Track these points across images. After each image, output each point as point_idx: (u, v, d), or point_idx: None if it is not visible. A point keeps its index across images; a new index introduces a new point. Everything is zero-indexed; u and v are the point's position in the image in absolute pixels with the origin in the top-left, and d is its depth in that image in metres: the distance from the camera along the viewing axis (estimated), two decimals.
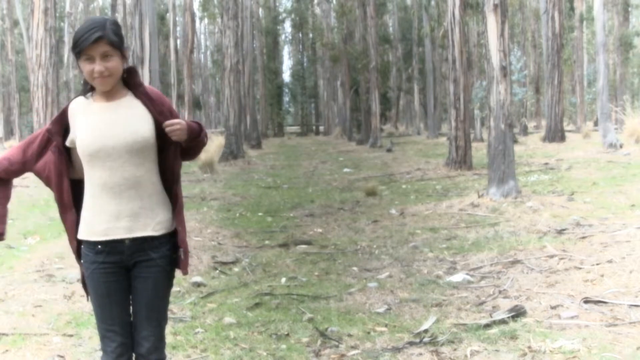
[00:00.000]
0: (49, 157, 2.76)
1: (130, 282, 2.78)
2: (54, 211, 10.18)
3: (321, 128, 53.88)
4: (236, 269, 6.69)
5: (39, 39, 15.82)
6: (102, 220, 2.69)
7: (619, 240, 6.48)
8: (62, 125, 2.76)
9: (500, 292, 5.35)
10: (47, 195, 11.61)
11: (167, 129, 2.67)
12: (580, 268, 5.71)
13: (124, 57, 2.70)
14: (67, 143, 2.75)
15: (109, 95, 2.73)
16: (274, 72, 50.19)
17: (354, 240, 8.02)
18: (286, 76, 60.23)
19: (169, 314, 4.71)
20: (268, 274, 6.51)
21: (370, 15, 27.97)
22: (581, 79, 32.57)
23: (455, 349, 4.13)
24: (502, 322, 4.48)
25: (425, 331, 4.50)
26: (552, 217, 8.14)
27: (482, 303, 5.12)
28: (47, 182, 2.80)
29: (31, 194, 12.14)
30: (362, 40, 31.64)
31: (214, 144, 19.32)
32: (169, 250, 2.79)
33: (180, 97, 33.74)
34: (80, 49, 2.60)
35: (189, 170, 16.10)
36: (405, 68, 42.95)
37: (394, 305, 5.25)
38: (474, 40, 30.25)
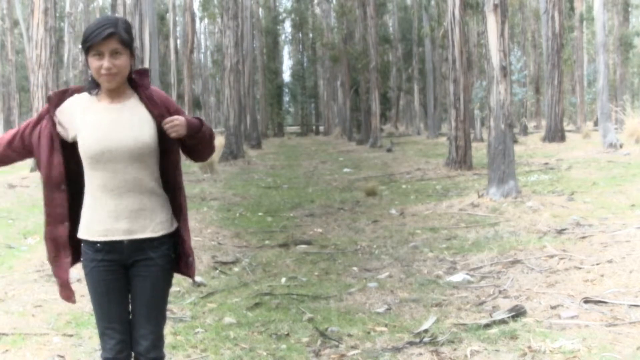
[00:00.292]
0: (42, 126, 2.76)
1: (129, 281, 2.79)
2: None
3: (321, 128, 53.89)
4: (236, 269, 6.69)
5: (39, 39, 15.82)
6: (101, 220, 2.71)
7: (619, 240, 6.48)
8: (61, 100, 2.76)
9: (500, 292, 5.35)
10: None
11: (166, 126, 2.67)
12: (580, 268, 5.71)
13: (132, 56, 2.72)
14: (70, 139, 2.74)
15: (114, 95, 2.74)
16: (274, 72, 50.18)
17: (354, 240, 8.02)
18: (286, 76, 60.26)
19: (169, 314, 4.71)
20: (268, 274, 6.51)
21: (370, 15, 27.97)
22: (581, 79, 32.57)
23: (455, 349, 4.13)
24: (502, 322, 4.48)
25: (425, 331, 4.50)
26: (552, 217, 8.14)
27: (482, 303, 5.12)
28: (38, 157, 2.77)
29: (31, 194, 12.13)
30: (362, 40, 31.65)
31: (214, 144, 19.29)
32: (168, 250, 2.80)
33: (180, 97, 33.73)
34: (91, 44, 2.62)
35: (189, 170, 16.09)
36: (405, 68, 42.96)
37: (394, 305, 5.25)
38: (474, 40, 30.24)
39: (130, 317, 2.83)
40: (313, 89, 57.67)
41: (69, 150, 2.74)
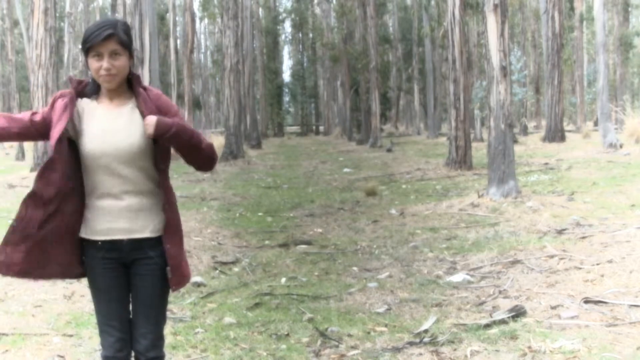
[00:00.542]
0: (59, 103, 2.75)
1: (129, 279, 2.82)
2: None
3: (321, 128, 53.88)
4: (236, 269, 6.69)
5: (39, 39, 15.81)
6: (102, 221, 2.74)
7: (619, 240, 6.48)
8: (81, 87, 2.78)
9: (500, 292, 5.35)
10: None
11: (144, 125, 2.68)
12: (580, 268, 5.70)
13: (131, 58, 2.75)
14: (71, 135, 2.75)
15: (114, 99, 2.77)
16: (274, 72, 50.19)
17: (354, 240, 8.02)
18: (286, 76, 60.26)
19: (169, 314, 4.71)
20: (268, 274, 6.50)
21: (370, 15, 27.97)
22: (581, 79, 32.57)
23: (455, 349, 4.13)
24: (502, 322, 4.48)
25: (425, 331, 4.50)
26: (552, 217, 8.13)
27: (482, 303, 5.12)
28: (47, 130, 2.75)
29: None
30: (362, 40, 31.65)
31: (214, 144, 19.28)
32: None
33: (180, 97, 33.74)
34: (90, 44, 2.65)
35: (189, 170, 16.09)
36: (405, 68, 42.96)
37: (394, 305, 5.24)
38: (474, 40, 30.24)
39: (131, 316, 2.85)
40: (313, 89, 57.67)
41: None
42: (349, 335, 4.55)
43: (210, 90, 56.63)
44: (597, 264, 5.71)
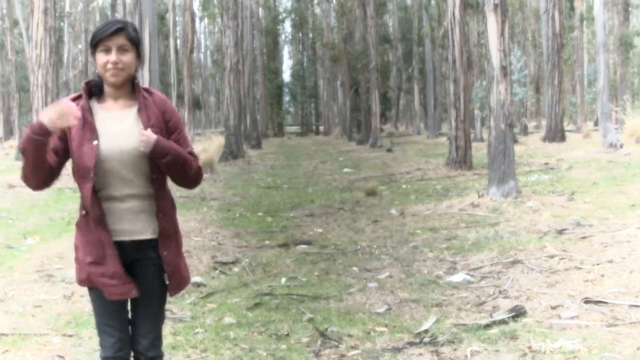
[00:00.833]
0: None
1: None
2: (53, 211, 10.19)
3: (321, 128, 53.90)
4: (236, 269, 6.68)
5: (38, 38, 15.81)
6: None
7: (619, 240, 6.48)
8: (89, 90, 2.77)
9: (500, 292, 5.34)
10: (46, 195, 11.61)
11: (139, 136, 2.66)
12: (580, 268, 5.70)
13: (139, 58, 2.76)
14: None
15: (118, 99, 2.77)
16: (274, 72, 50.18)
17: (354, 240, 8.01)
18: (286, 76, 60.28)
19: (169, 314, 4.71)
20: (268, 274, 6.50)
21: (370, 15, 27.97)
22: (581, 79, 32.56)
23: (455, 349, 4.12)
24: (502, 322, 4.48)
25: (426, 331, 4.49)
26: (553, 217, 8.13)
27: (482, 303, 5.11)
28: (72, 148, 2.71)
29: (31, 194, 12.13)
30: (362, 40, 31.65)
31: (214, 144, 19.33)
32: None
33: (180, 97, 33.76)
34: (99, 38, 2.66)
35: None
36: (405, 68, 42.95)
37: (394, 305, 5.24)
38: (474, 40, 30.25)
39: (130, 316, 2.85)
40: (313, 89, 57.68)
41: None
42: (349, 336, 4.55)
43: (210, 90, 56.66)
44: (597, 264, 5.70)
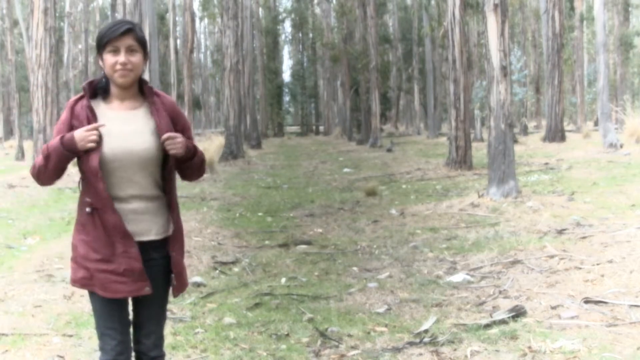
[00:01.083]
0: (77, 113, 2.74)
1: None
2: (53, 211, 10.20)
3: (321, 128, 53.91)
4: (236, 269, 6.68)
5: (38, 38, 15.81)
6: None
7: (619, 240, 6.48)
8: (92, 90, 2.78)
9: (500, 292, 5.34)
10: (46, 195, 11.62)
11: (167, 142, 2.68)
12: (580, 268, 5.70)
13: (145, 59, 2.76)
14: None
15: (125, 100, 2.76)
16: (274, 72, 50.20)
17: (354, 240, 8.01)
18: (286, 76, 60.28)
19: (169, 314, 4.71)
20: (268, 274, 6.50)
21: (370, 15, 27.97)
22: (581, 79, 32.56)
23: (455, 349, 4.12)
24: (502, 322, 4.48)
25: (426, 331, 4.49)
26: (553, 217, 8.13)
27: (482, 303, 5.11)
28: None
29: (31, 194, 12.13)
30: (362, 40, 31.65)
31: (214, 144, 19.32)
32: (168, 251, 2.83)
33: (180, 97, 33.76)
34: (108, 39, 2.66)
35: None
36: (405, 68, 42.96)
37: (394, 305, 5.24)
38: (474, 40, 30.25)
39: (132, 316, 2.85)
40: (313, 89, 57.69)
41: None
42: (349, 335, 4.55)
43: (210, 90, 56.67)
44: (597, 264, 5.70)
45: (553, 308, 4.75)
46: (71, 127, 2.69)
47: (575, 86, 34.48)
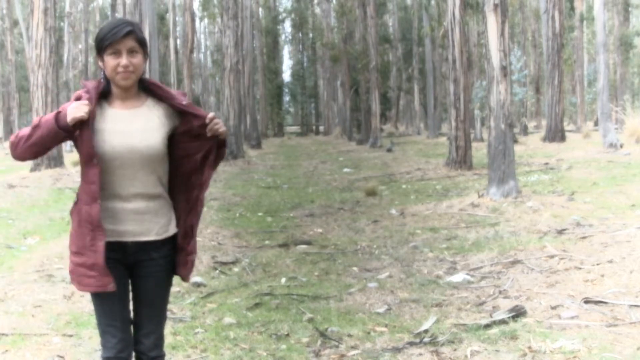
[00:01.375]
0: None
1: (130, 280, 2.83)
2: (53, 211, 10.19)
3: (321, 128, 53.89)
4: (236, 269, 6.68)
5: (38, 38, 15.81)
6: (107, 222, 2.72)
7: (619, 240, 6.48)
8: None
9: (500, 292, 5.34)
10: (46, 195, 11.62)
11: (210, 124, 2.73)
12: (580, 268, 5.70)
13: (145, 58, 2.77)
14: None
15: (126, 100, 2.77)
16: (274, 72, 50.19)
17: (354, 240, 8.01)
18: (286, 76, 60.25)
19: (169, 314, 4.71)
20: (268, 274, 6.50)
21: (370, 15, 27.97)
22: (581, 79, 32.56)
23: (455, 349, 4.12)
24: (502, 322, 4.48)
25: (426, 331, 4.49)
26: (553, 217, 8.13)
27: (482, 303, 5.11)
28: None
29: (31, 194, 12.13)
30: (362, 40, 31.64)
31: None
32: (170, 251, 2.84)
33: None
34: (109, 42, 2.65)
35: None
36: (405, 68, 42.95)
37: (394, 305, 5.24)
38: (474, 40, 30.25)
39: (132, 316, 2.86)
40: (313, 89, 57.67)
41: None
42: (349, 335, 4.55)
43: (210, 90, 56.61)
44: (597, 264, 5.70)
45: (553, 308, 4.75)
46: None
47: (575, 86, 34.48)
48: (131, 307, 2.87)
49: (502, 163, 9.81)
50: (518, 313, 4.60)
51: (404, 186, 13.32)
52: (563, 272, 5.67)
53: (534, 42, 40.55)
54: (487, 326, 4.45)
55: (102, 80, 2.76)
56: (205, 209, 10.46)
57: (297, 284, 6.05)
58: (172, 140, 2.79)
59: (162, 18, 39.44)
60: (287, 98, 57.84)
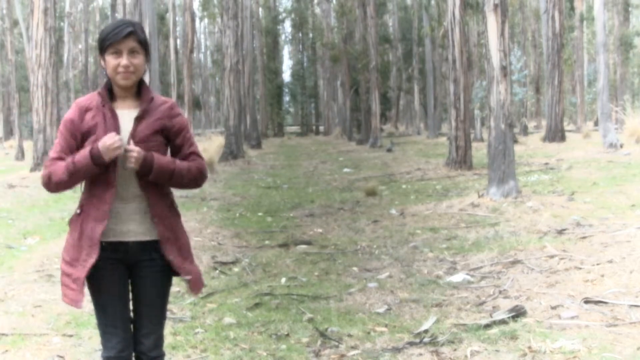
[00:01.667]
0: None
1: (130, 280, 2.83)
2: (53, 211, 10.19)
3: (321, 128, 53.91)
4: (236, 269, 6.68)
5: (38, 38, 15.82)
6: (110, 222, 2.73)
7: (619, 240, 6.48)
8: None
9: (500, 292, 5.34)
10: (46, 195, 11.61)
11: (125, 153, 2.66)
12: (580, 268, 5.70)
13: (147, 59, 2.77)
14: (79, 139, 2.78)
15: (125, 100, 2.78)
16: (274, 72, 50.20)
17: (354, 240, 8.01)
18: (286, 76, 60.29)
19: (169, 314, 4.70)
20: (268, 274, 6.50)
21: (370, 15, 27.97)
22: (581, 79, 32.56)
23: (455, 349, 4.12)
24: (502, 322, 4.48)
25: (426, 331, 4.49)
26: (553, 217, 8.13)
27: (482, 303, 5.11)
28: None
29: (31, 194, 12.13)
30: (362, 40, 31.65)
31: (214, 144, 19.33)
32: None
33: (180, 97, 33.76)
34: (110, 42, 2.67)
35: None
36: (405, 68, 42.96)
37: (394, 305, 5.24)
38: (474, 40, 30.25)
39: (132, 315, 2.86)
40: (313, 89, 57.68)
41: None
42: (349, 335, 4.55)
43: (210, 90, 56.64)
44: (597, 264, 5.70)
45: (553, 308, 4.75)
46: (79, 129, 2.73)
47: (575, 86, 34.48)
48: (131, 306, 2.87)
49: (502, 163, 9.81)
50: (518, 313, 4.60)
51: (404, 186, 13.32)
52: (563, 272, 5.67)
53: (534, 42, 40.55)
54: (487, 326, 4.44)
55: (108, 81, 2.78)
56: (205, 209, 10.51)
57: (297, 284, 6.05)
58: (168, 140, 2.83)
59: (162, 18, 39.44)
60: (287, 98, 57.86)
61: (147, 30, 14.84)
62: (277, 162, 22.25)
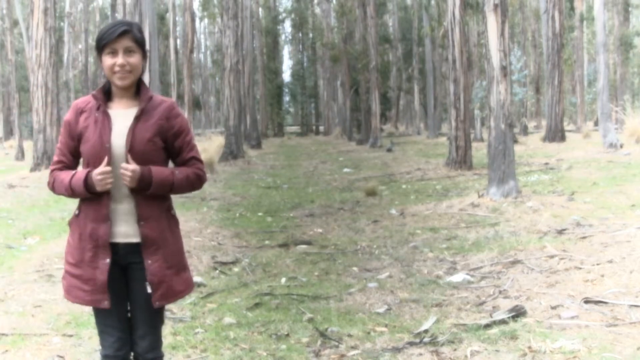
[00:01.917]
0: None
1: (126, 281, 2.82)
2: (53, 211, 10.19)
3: (321, 128, 53.92)
4: (236, 269, 6.68)
5: (38, 38, 15.82)
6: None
7: (619, 240, 6.48)
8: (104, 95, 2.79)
9: (500, 292, 5.34)
10: (46, 195, 11.61)
11: (121, 171, 2.67)
12: (580, 268, 5.70)
13: (144, 58, 2.77)
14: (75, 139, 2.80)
15: (123, 99, 2.78)
16: (274, 72, 50.20)
17: (354, 240, 8.01)
18: (286, 76, 60.28)
19: (169, 314, 4.71)
20: (268, 274, 6.50)
21: (370, 15, 27.97)
22: (581, 79, 32.56)
23: (455, 349, 4.12)
24: (502, 322, 4.48)
25: (426, 331, 4.49)
26: (553, 217, 8.13)
27: (482, 303, 5.11)
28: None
29: (31, 194, 12.13)
30: (362, 40, 31.65)
31: (214, 144, 19.33)
32: None
33: (180, 97, 33.76)
34: (106, 41, 2.68)
35: None
36: (405, 68, 42.96)
37: (394, 305, 5.24)
38: (474, 40, 30.25)
39: (129, 316, 2.86)
40: (313, 89, 57.68)
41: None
42: (349, 335, 4.55)
43: (210, 90, 56.64)
44: (597, 264, 5.70)
45: (553, 308, 4.75)
46: (75, 130, 2.75)
47: (575, 86, 34.48)
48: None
49: (502, 163, 9.81)
50: (518, 313, 4.60)
51: (404, 186, 13.32)
52: (563, 272, 5.67)
53: (534, 42, 40.55)
54: (487, 326, 4.45)
55: (107, 82, 2.80)
56: (205, 209, 10.51)
57: (297, 284, 6.05)
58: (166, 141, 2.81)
59: (162, 18, 39.44)
60: (287, 98, 57.86)
61: (147, 30, 14.84)
62: (277, 162, 22.25)
